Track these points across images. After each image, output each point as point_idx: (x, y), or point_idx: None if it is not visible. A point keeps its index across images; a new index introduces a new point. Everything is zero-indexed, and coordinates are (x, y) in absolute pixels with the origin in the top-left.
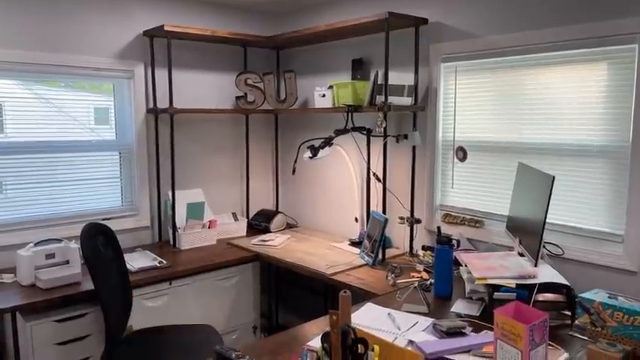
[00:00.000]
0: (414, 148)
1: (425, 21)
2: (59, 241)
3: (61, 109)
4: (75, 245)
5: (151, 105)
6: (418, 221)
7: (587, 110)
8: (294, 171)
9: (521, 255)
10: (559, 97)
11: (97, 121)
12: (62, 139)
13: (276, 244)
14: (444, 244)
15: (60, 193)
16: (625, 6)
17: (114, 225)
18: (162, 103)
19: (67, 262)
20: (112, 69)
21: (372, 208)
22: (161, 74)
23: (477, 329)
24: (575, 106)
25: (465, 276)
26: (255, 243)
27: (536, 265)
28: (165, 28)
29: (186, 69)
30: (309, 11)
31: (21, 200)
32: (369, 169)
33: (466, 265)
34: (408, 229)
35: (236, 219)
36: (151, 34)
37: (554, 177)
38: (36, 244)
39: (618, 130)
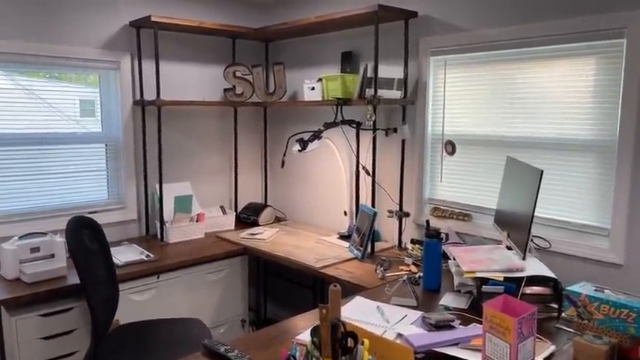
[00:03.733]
0: (403, 141)
1: (414, 14)
2: (44, 234)
3: (46, 101)
4: (60, 239)
5: (138, 97)
6: (407, 215)
7: (574, 105)
8: (282, 164)
9: (509, 248)
10: (547, 92)
11: (83, 113)
12: (47, 132)
13: (265, 237)
14: (432, 238)
15: (45, 186)
16: (613, 0)
17: (100, 218)
18: (150, 95)
19: (53, 255)
20: (97, 60)
21: (361, 202)
22: (148, 66)
23: (466, 322)
24: (563, 100)
25: (453, 269)
26: (243, 236)
27: (524, 259)
28: (152, 18)
29: (174, 61)
30: (298, 3)
31: (5, 193)
32: (358, 162)
33: (454, 259)
34: (397, 222)
35: (224, 212)
36: (138, 25)
37: (542, 171)
38: (20, 238)
39: (605, 124)
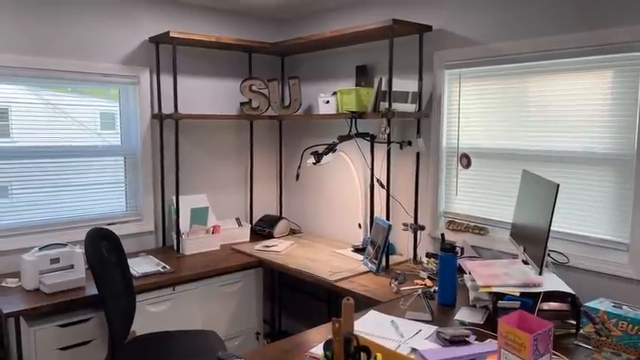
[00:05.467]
0: (417, 154)
1: (429, 28)
2: (64, 245)
3: (68, 114)
4: (79, 250)
5: (156, 110)
6: (422, 228)
7: (591, 118)
8: (297, 177)
9: (525, 263)
10: (564, 105)
11: (103, 126)
12: (68, 144)
13: (280, 249)
14: (447, 252)
15: (65, 198)
16: (630, 14)
17: (118, 230)
18: (167, 108)
19: (72, 266)
20: (118, 74)
21: (375, 215)
22: (166, 80)
23: (481, 338)
24: (579, 113)
25: (468, 284)
26: (258, 249)
27: (540, 274)
28: (171, 34)
29: (192, 75)
30: (313, 18)
31: (26, 205)
32: (372, 175)
33: (470, 273)
34: (412, 235)
35: (240, 224)
36: (157, 41)
37: (558, 184)
38: (40, 249)
39: (623, 137)
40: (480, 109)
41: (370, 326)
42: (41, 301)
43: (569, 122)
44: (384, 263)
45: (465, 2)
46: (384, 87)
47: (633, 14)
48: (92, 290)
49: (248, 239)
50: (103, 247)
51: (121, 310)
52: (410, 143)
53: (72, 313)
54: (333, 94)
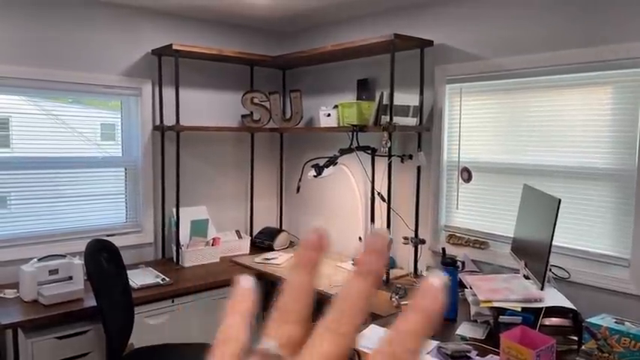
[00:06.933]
0: (418, 168)
1: (430, 43)
2: (63, 256)
3: (69, 125)
4: (79, 261)
5: (158, 122)
6: (423, 242)
7: (592, 133)
8: (298, 189)
9: (526, 278)
10: (564, 120)
11: (104, 137)
12: (68, 155)
13: (280, 262)
14: (448, 266)
15: (64, 209)
16: (630, 30)
17: (117, 241)
18: (169, 120)
19: (70, 278)
20: (120, 86)
21: (376, 228)
22: (168, 92)
23: (483, 353)
24: (580, 128)
25: (470, 298)
26: (258, 261)
27: (542, 289)
28: (174, 47)
29: (193, 87)
30: (315, 32)
31: (25, 215)
32: (373, 188)
33: (471, 287)
34: (413, 249)
35: (240, 237)
36: (159, 53)
37: (560, 200)
38: (39, 260)
39: (624, 153)
40: (481, 124)
41: (371, 341)
42: (39, 313)
43: (570, 137)
44: (384, 277)
45: (466, 17)
46: (385, 101)
47: (634, 31)
48: (90, 302)
49: (248, 252)
50: (103, 258)
51: (120, 322)
52: (411, 157)
53: (70, 325)
54: (334, 108)
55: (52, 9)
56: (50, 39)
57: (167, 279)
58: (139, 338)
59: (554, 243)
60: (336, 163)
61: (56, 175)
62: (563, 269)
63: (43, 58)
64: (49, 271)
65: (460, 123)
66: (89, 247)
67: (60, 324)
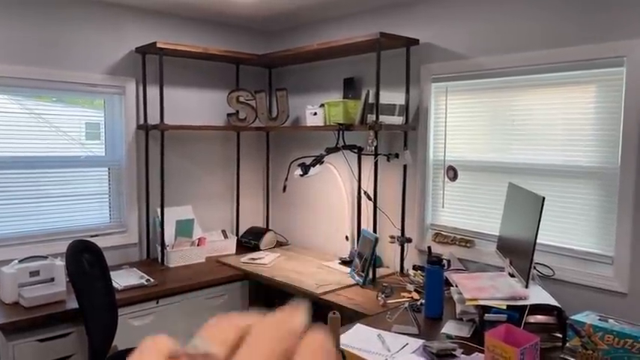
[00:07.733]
0: (404, 167)
1: (416, 41)
2: (44, 258)
3: (52, 124)
4: (60, 263)
5: (142, 121)
6: (409, 240)
7: (576, 132)
8: (284, 189)
9: (511, 276)
10: (548, 118)
11: (88, 136)
12: (51, 155)
13: (266, 262)
14: (434, 264)
15: (47, 209)
16: (613, 29)
17: (101, 242)
18: (153, 119)
19: (52, 279)
20: (103, 85)
21: (362, 227)
22: (152, 90)
23: (468, 351)
24: (564, 127)
25: (455, 296)
26: (244, 261)
27: (527, 287)
28: (158, 45)
29: (178, 86)
30: (301, 30)
31: (7, 216)
32: (359, 187)
33: (457, 286)
34: (399, 248)
35: (226, 237)
36: (143, 51)
37: (544, 198)
38: (20, 261)
39: (607, 151)
40: (466, 123)
41: (356, 340)
42: (20, 315)
43: (554, 136)
44: (370, 276)
45: (452, 17)
46: (371, 99)
47: (617, 30)
48: (73, 304)
49: (234, 252)
50: (85, 259)
51: (103, 324)
52: (397, 156)
53: (52, 327)
54: (320, 106)
55: (34, 7)
56: (33, 37)
57: (152, 280)
58: (123, 340)
59: (538, 241)
60: (323, 162)
61: (38, 175)
62: (548, 267)
63: (26, 56)
64: (30, 273)
65: (446, 122)
66: (70, 247)
67: (42, 326)
